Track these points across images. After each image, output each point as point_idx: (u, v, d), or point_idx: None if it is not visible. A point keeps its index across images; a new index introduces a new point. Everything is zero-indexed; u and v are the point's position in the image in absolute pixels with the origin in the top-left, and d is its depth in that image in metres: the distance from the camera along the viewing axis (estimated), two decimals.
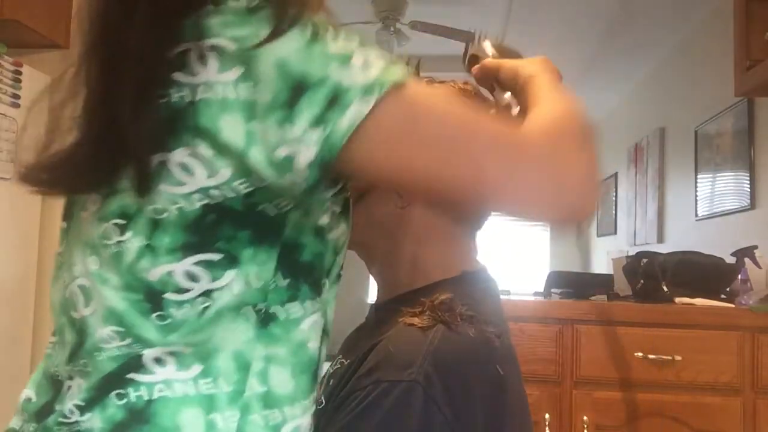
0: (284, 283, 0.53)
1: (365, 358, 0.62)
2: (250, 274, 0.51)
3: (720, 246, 2.42)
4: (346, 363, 0.66)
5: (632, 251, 3.38)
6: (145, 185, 0.48)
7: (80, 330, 0.51)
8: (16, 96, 2.09)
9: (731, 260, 2.03)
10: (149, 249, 0.49)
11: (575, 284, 2.07)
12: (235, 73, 0.46)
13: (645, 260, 1.97)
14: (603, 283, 2.08)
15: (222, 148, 0.47)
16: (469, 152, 0.49)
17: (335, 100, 0.46)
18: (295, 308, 0.53)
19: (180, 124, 0.47)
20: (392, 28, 4.03)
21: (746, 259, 1.99)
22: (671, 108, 3.96)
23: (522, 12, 3.91)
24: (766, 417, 1.65)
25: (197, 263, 0.49)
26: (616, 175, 5.26)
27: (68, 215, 0.57)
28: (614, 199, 5.28)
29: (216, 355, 0.50)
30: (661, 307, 1.76)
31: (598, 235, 5.83)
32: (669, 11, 3.47)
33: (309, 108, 0.46)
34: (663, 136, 4.06)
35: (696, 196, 3.41)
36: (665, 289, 1.88)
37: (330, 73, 0.47)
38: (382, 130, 0.48)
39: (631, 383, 1.69)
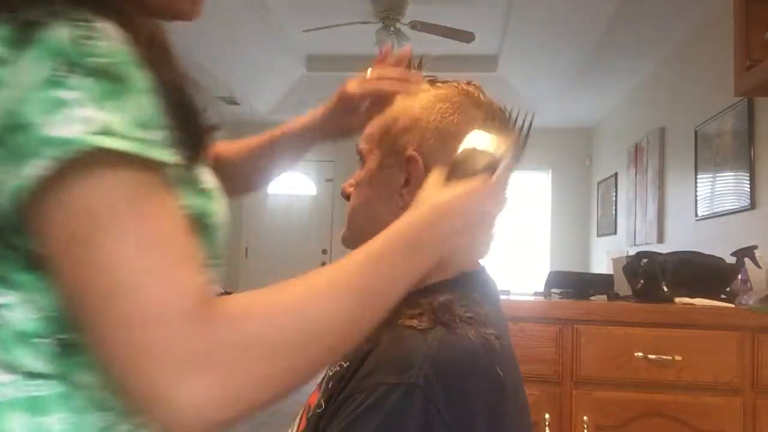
0: None
1: (364, 360, 0.62)
2: (32, 300, 0.47)
3: (720, 246, 2.42)
4: (345, 365, 0.66)
5: (632, 251, 3.38)
6: None
7: None
8: None
9: (731, 260, 2.03)
10: None
11: (575, 284, 2.08)
12: None
13: (645, 260, 1.97)
14: (603, 283, 2.08)
15: None
16: (117, 307, 0.41)
17: (29, 147, 0.41)
18: None
19: None
20: (392, 28, 4.02)
21: (746, 259, 1.99)
22: (671, 108, 3.96)
23: (522, 12, 3.91)
24: (766, 417, 1.65)
25: None
26: (616, 175, 5.26)
27: None
28: (614, 199, 5.28)
29: (34, 379, 0.48)
30: (661, 307, 1.76)
31: (598, 235, 5.83)
32: (669, 11, 3.47)
33: (10, 152, 0.42)
34: (663, 136, 4.06)
35: (696, 196, 3.41)
36: (665, 289, 1.88)
37: (37, 118, 0.41)
38: (54, 207, 0.42)
39: (631, 383, 1.68)
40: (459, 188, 0.61)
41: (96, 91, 0.43)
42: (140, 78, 0.46)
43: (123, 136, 0.42)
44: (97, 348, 0.43)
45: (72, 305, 0.44)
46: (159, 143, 0.45)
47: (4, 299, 0.47)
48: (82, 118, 0.42)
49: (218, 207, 0.59)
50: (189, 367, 0.41)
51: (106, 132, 0.42)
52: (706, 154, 3.32)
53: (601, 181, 5.76)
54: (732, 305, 1.79)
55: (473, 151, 0.66)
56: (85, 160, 0.41)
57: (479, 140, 0.66)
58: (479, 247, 0.61)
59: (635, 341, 1.69)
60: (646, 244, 4.15)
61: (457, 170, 0.64)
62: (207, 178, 0.60)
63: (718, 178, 3.19)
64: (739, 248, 2.03)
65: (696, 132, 3.43)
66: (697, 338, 1.68)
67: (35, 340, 0.47)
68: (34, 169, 0.41)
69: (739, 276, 1.94)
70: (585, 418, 1.66)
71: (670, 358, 1.66)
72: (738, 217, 2.92)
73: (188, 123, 0.53)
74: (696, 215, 3.39)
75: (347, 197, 0.82)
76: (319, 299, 0.48)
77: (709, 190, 3.28)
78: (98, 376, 0.48)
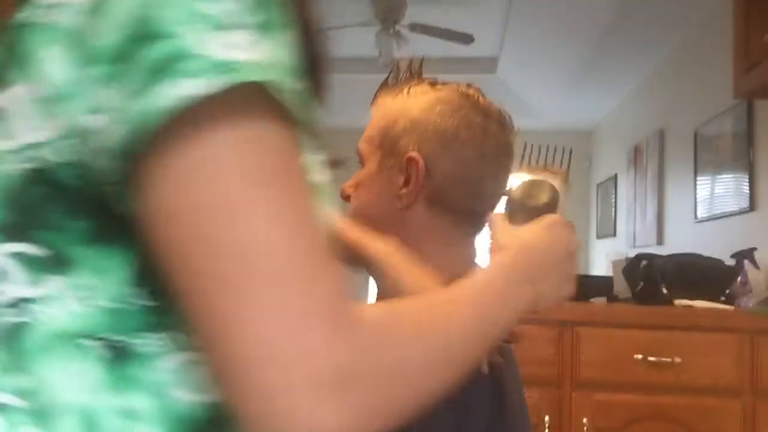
0: (145, 303, 0.36)
1: None
2: (87, 286, 0.35)
3: (719, 248, 2.41)
4: None
5: (632, 253, 3.37)
6: None
7: None
8: None
9: (731, 262, 2.03)
10: None
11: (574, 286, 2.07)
12: None
13: (644, 262, 1.97)
14: (603, 285, 2.08)
15: (45, 88, 0.34)
16: (248, 288, 0.31)
17: (170, 64, 0.31)
18: (159, 340, 0.36)
19: (11, 54, 0.35)
20: (391, 30, 4.03)
21: (746, 261, 1.99)
22: (671, 110, 3.96)
23: (521, 13, 3.92)
24: (765, 419, 1.65)
25: (13, 255, 0.35)
26: (615, 176, 5.26)
27: None
28: (613, 200, 5.28)
29: (54, 414, 0.34)
30: (661, 310, 1.76)
31: (598, 237, 5.83)
32: (669, 12, 3.48)
33: (137, 68, 0.31)
34: (662, 138, 4.06)
35: (695, 197, 3.41)
36: (665, 291, 1.88)
37: (185, 30, 0.31)
38: (178, 155, 0.31)
39: (631, 385, 1.68)
40: (536, 227, 0.55)
41: (257, 19, 0.33)
42: (283, 13, 0.36)
43: (285, 80, 0.32)
44: (209, 350, 0.33)
45: (178, 291, 0.33)
46: (305, 96, 0.35)
47: (47, 289, 0.35)
48: (249, 45, 0.31)
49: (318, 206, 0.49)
50: (330, 385, 0.31)
51: (271, 68, 0.32)
52: (706, 156, 3.32)
53: (601, 183, 5.76)
54: (731, 307, 1.79)
55: (530, 185, 0.61)
56: (235, 99, 0.31)
57: (528, 174, 0.63)
58: (562, 289, 0.55)
59: (635, 343, 1.69)
60: (646, 246, 4.14)
61: (516, 206, 0.60)
62: (317, 170, 0.45)
63: (717, 180, 3.19)
64: (738, 250, 2.03)
65: (695, 134, 3.43)
66: (697, 341, 1.68)
67: (81, 342, 0.35)
68: (181, 90, 0.30)
69: (739, 278, 1.94)
70: (585, 420, 1.66)
71: (669, 360, 1.66)
72: (737, 219, 2.92)
73: (316, 80, 0.42)
74: (695, 217, 3.39)
75: (347, 198, 0.82)
76: (456, 321, 0.43)
77: (709, 192, 3.28)
78: (151, 395, 0.36)
